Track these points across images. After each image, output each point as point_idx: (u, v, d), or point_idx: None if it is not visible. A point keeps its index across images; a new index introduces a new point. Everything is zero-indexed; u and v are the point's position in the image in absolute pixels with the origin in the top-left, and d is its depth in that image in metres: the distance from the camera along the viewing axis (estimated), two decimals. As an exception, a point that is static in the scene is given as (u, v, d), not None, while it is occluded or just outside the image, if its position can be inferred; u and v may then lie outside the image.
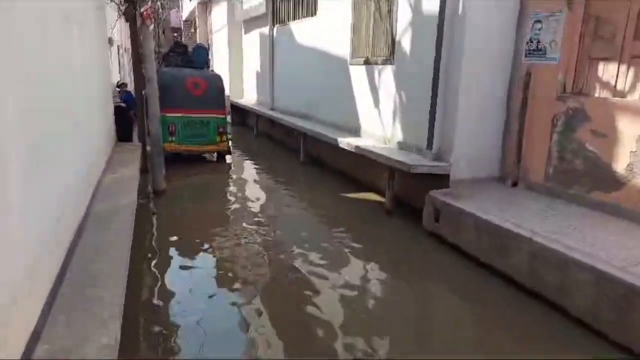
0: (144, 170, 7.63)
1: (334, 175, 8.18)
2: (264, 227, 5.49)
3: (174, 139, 8.42)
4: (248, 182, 8.10)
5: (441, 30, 5.31)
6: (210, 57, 9.21)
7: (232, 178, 8.23)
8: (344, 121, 8.01)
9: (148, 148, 7.26)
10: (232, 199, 6.88)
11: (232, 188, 7.61)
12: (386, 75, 6.60)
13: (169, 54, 8.84)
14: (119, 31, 15.00)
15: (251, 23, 13.03)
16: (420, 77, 5.81)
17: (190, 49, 9.34)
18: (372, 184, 7.19)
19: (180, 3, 28.21)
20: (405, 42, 6.10)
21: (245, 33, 13.87)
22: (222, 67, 15.76)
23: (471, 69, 5.23)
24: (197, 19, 20.84)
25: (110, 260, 2.93)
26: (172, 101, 8.31)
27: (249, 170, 9.00)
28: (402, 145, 6.33)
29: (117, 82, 8.83)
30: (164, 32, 27.75)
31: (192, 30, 22.61)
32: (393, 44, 6.37)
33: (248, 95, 14.48)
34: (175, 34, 27.14)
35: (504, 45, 5.28)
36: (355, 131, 7.64)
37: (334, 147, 7.72)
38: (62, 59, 3.35)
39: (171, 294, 3.83)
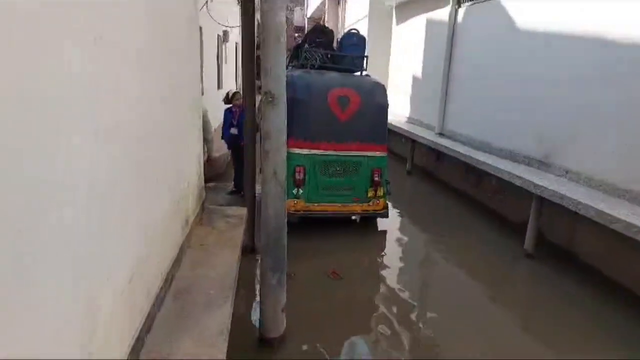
0: (248, 249, 4.33)
1: (624, 299, 3.80)
2: None
3: (301, 193, 4.89)
4: (428, 295, 4.16)
5: None
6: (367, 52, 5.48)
7: (397, 284, 4.31)
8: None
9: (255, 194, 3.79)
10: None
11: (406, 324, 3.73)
12: None
13: (302, 47, 5.36)
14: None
15: (411, 7, 9.11)
16: None
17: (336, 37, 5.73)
18: None
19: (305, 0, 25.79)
20: None
21: (399, 22, 10.00)
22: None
23: None
24: (325, 14, 17.75)
25: None
26: (302, 128, 4.81)
27: (421, 258, 5.06)
28: None
29: (228, 93, 5.65)
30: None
31: (320, 26, 19.62)
32: None
33: (394, 109, 10.57)
34: (298, 34, 24.67)
35: None
36: None
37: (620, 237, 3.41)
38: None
39: None
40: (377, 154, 5.14)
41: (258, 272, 3.81)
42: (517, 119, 5.56)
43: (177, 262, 2.74)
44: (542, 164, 5.05)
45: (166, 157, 2.47)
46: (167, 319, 2.26)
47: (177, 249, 2.79)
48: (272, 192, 2.73)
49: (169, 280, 2.52)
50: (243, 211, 4.08)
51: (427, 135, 7.77)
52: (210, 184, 6.26)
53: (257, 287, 3.65)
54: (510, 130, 5.70)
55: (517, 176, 4.79)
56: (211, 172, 6.20)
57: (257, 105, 4.36)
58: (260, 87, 2.85)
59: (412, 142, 8.33)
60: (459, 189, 7.07)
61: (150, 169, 2.11)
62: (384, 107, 5.19)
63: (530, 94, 5.27)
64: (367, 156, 5.08)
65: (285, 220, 2.84)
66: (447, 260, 4.81)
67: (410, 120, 9.38)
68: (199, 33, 3.58)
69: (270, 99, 2.60)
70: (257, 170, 3.64)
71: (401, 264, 4.66)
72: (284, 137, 2.70)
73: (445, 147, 6.84)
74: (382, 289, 4.02)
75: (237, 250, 3.21)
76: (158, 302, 2.29)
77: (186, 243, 3.05)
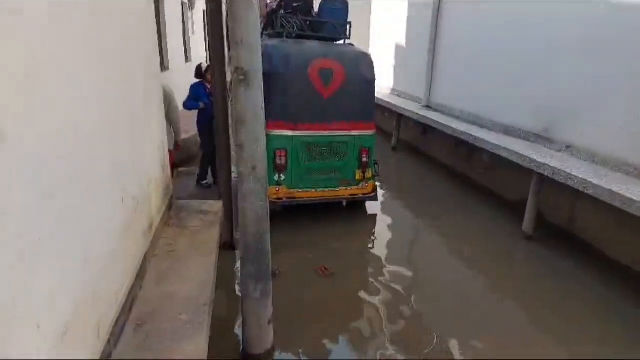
0: (227, 245, 3.92)
1: (626, 279, 3.60)
2: None
3: (283, 178, 4.44)
4: (426, 283, 3.85)
5: None
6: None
7: (393, 275, 3.96)
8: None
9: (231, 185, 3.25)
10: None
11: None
12: None
13: (277, 13, 4.75)
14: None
15: (393, -32, 8.46)
16: None
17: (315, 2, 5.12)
18: None
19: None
20: None
21: (380, -14, 9.34)
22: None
23: None
24: (299, -22, 16.66)
25: None
26: (281, 106, 4.30)
27: (416, 243, 4.74)
28: None
29: (201, 66, 4.94)
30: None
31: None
32: None
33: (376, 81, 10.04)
34: (271, 1, 23.23)
35: None
36: None
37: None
38: None
39: None
40: (365, 132, 4.69)
41: (238, 268, 3.39)
42: (512, 89, 5.17)
43: (138, 278, 2.27)
44: (540, 138, 4.72)
45: (114, 155, 1.96)
46: (126, 357, 1.82)
47: (138, 262, 2.31)
48: (250, 191, 2.27)
49: (127, 305, 2.06)
50: (219, 205, 3.61)
51: (413, 109, 7.33)
52: (182, 169, 5.71)
53: (238, 288, 3.24)
54: (504, 101, 5.33)
55: (516, 153, 4.44)
56: (181, 155, 5.65)
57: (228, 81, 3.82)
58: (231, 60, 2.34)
59: (398, 116, 7.90)
60: (449, 165, 6.74)
61: (90, 176, 1.61)
62: (370, 81, 4.72)
63: (527, 63, 4.87)
64: (354, 135, 4.62)
65: (268, 223, 2.39)
66: (442, 245, 4.50)
67: (394, 92, 8.91)
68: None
69: (242, 77, 2.09)
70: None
71: (395, 252, 4.31)
72: (262, 123, 2.22)
73: (435, 121, 6.44)
74: (377, 281, 3.66)
75: (214, 255, 2.76)
76: (114, 338, 1.85)
77: (150, 252, 2.58)
